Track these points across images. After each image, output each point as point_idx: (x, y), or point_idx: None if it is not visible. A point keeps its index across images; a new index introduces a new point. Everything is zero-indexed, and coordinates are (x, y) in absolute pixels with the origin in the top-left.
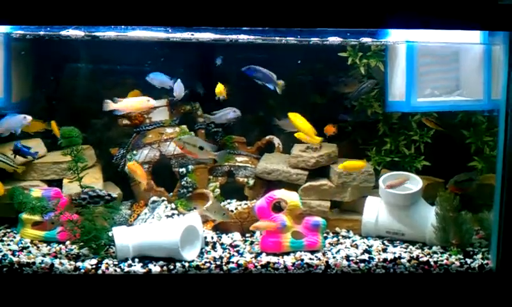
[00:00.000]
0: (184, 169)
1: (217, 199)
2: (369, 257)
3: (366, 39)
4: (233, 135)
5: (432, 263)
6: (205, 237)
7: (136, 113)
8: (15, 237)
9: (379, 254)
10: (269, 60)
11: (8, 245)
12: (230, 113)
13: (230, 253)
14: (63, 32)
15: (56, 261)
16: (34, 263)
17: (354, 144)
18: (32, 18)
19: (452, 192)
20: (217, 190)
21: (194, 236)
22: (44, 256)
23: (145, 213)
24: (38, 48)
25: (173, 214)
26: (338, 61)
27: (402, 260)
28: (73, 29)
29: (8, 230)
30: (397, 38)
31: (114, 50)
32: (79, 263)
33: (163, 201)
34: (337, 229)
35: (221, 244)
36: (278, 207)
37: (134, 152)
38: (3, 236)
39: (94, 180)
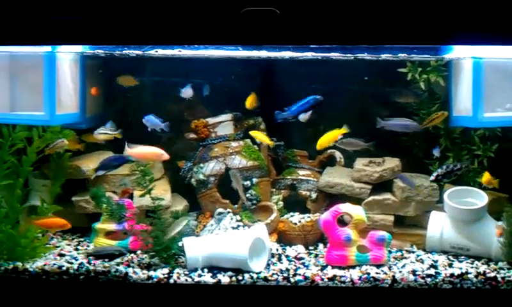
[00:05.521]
0: (248, 182)
1: (281, 212)
2: (435, 272)
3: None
4: (295, 149)
5: (499, 279)
6: (271, 249)
7: (201, 127)
8: (88, 246)
9: (445, 269)
10: (330, 74)
11: None
12: (408, 123)
13: (295, 265)
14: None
15: (130, 270)
16: (109, 271)
17: (417, 158)
18: (108, 38)
19: None
20: (280, 203)
21: (261, 248)
22: (118, 264)
23: (211, 225)
24: (111, 65)
25: (239, 226)
26: (399, 76)
27: (469, 275)
28: (149, 49)
29: (82, 239)
30: (462, 53)
31: (185, 67)
32: (152, 272)
33: (228, 213)
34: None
35: (286, 256)
36: (341, 221)
37: (201, 165)
38: (78, 245)
39: (162, 191)
